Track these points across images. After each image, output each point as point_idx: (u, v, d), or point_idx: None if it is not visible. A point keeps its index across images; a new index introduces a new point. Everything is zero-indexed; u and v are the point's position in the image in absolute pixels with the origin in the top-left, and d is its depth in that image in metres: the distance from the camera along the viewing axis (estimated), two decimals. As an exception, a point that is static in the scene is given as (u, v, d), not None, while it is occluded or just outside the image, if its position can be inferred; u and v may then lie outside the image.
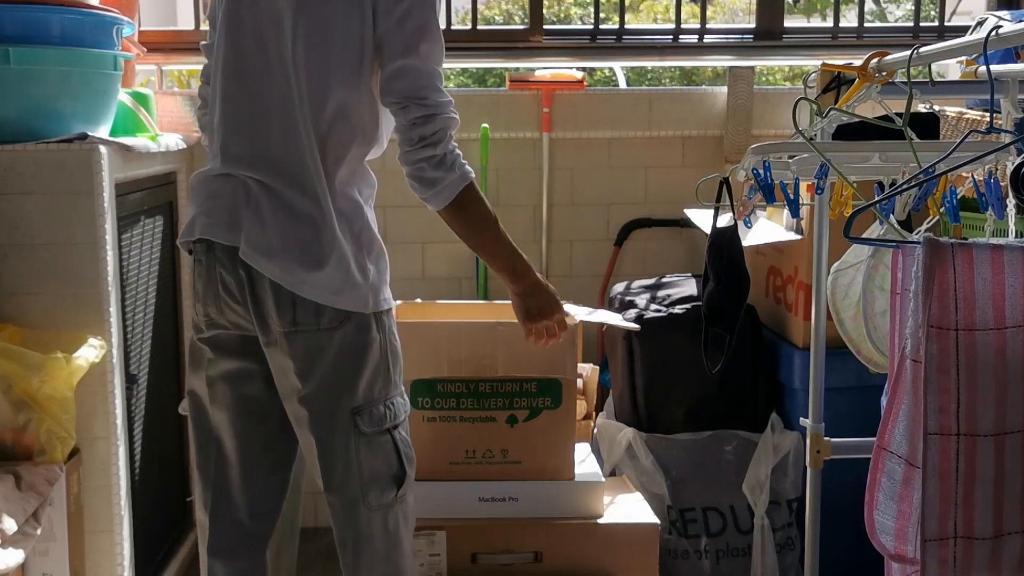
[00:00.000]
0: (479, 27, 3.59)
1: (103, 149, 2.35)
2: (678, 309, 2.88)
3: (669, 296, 2.97)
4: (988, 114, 1.94)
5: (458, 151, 1.87)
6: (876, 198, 1.64)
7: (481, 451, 2.36)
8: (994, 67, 1.83)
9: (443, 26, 3.56)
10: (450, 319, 2.47)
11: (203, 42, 2.03)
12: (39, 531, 2.08)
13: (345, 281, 1.82)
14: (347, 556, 1.92)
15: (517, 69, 3.84)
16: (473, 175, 1.88)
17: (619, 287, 3.15)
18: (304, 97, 1.84)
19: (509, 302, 2.06)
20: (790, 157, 2.03)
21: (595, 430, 2.84)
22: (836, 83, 2.29)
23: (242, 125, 1.89)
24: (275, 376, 1.89)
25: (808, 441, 2.26)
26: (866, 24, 3.84)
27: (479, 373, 2.33)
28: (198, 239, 1.89)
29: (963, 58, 2.21)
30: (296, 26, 1.83)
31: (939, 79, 2.24)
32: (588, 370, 2.83)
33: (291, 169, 1.84)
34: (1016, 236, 1.81)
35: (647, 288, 3.08)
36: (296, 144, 1.84)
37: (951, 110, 2.72)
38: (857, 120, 2.07)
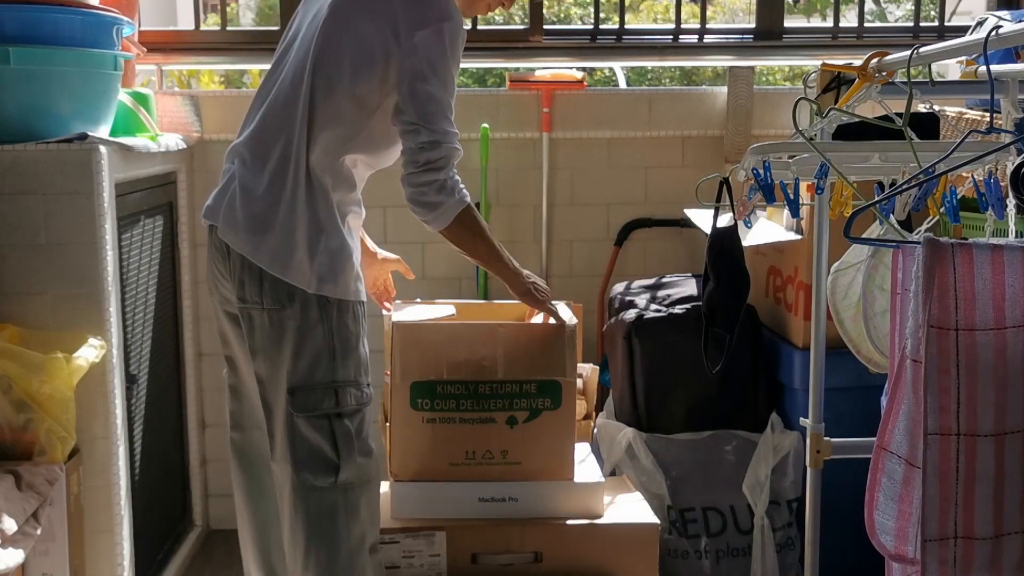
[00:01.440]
0: (479, 27, 3.59)
1: (103, 149, 2.35)
2: (678, 309, 2.88)
3: (669, 296, 2.97)
4: (988, 114, 1.94)
5: (457, 177, 2.03)
6: (876, 198, 1.64)
7: (481, 452, 2.35)
8: (994, 67, 1.83)
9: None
10: (450, 321, 2.47)
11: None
12: (39, 531, 2.08)
13: (290, 253, 1.96)
14: (282, 529, 2.07)
15: (517, 69, 3.84)
16: (469, 198, 2.05)
17: (619, 287, 3.15)
18: (308, 93, 1.98)
19: (508, 301, 2.21)
20: (790, 157, 2.03)
21: (595, 430, 2.84)
22: (836, 83, 2.29)
23: (252, 115, 2.10)
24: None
25: (808, 441, 2.25)
26: (866, 24, 3.84)
27: (479, 375, 2.33)
28: (208, 225, 2.11)
29: (963, 58, 2.21)
30: (327, 29, 1.99)
31: (939, 79, 2.24)
32: (588, 370, 2.83)
33: (271, 154, 2.00)
34: (1016, 236, 1.81)
35: (647, 288, 3.08)
36: (286, 133, 2.00)
37: (951, 110, 2.72)
38: (857, 120, 2.07)
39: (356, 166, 2.08)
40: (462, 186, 2.04)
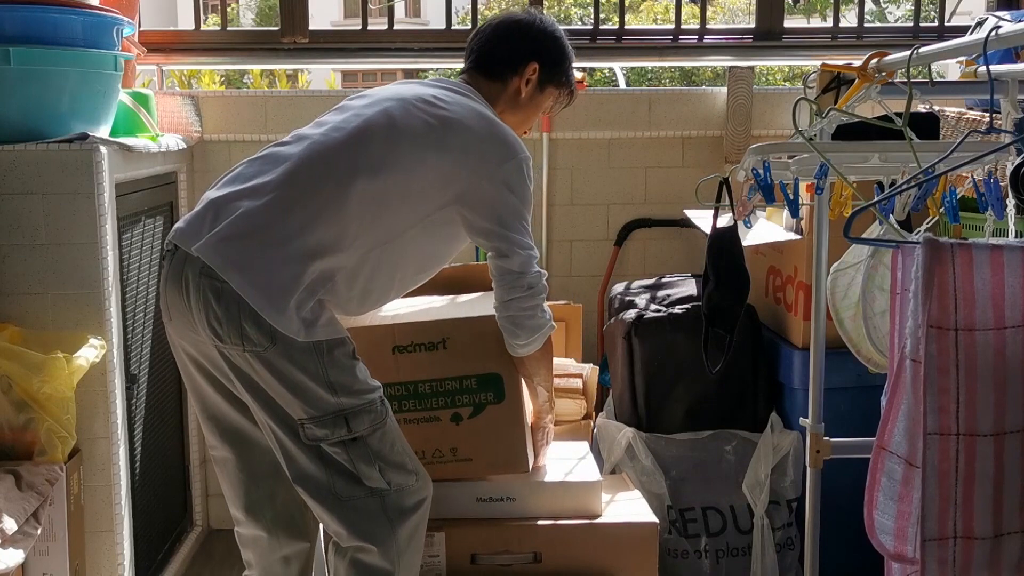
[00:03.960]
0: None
1: (103, 149, 2.35)
2: (678, 309, 2.88)
3: (669, 296, 2.97)
4: (988, 114, 1.94)
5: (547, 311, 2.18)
6: (876, 198, 1.64)
7: (430, 451, 2.28)
8: (994, 67, 1.83)
9: (443, 26, 3.59)
10: (396, 319, 2.37)
11: None
12: (39, 531, 2.08)
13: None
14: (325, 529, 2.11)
15: (517, 69, 3.83)
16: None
17: (619, 287, 3.15)
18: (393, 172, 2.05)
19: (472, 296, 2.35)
20: (790, 157, 2.03)
21: (595, 430, 2.84)
22: (836, 83, 2.29)
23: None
24: None
25: (808, 441, 2.26)
26: (866, 24, 3.84)
27: (415, 375, 2.26)
28: None
29: (963, 58, 2.21)
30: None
31: (939, 79, 2.24)
32: (588, 370, 2.83)
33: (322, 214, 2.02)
34: (1016, 236, 1.82)
35: (647, 288, 3.08)
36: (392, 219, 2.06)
37: (951, 110, 2.73)
38: (857, 120, 2.07)
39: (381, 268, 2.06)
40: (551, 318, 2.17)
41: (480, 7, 3.64)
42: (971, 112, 2.71)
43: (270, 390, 1.95)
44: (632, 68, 8.24)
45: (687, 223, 3.09)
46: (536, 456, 2.36)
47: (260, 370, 1.93)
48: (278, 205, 1.94)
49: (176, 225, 2.02)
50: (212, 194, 2.01)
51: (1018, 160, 1.59)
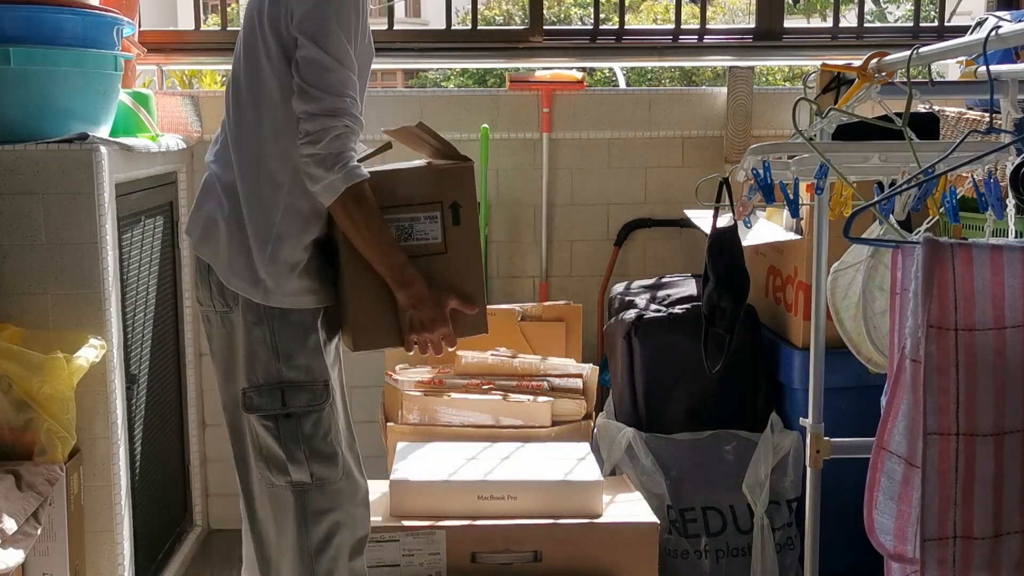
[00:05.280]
0: (479, 27, 3.59)
1: (103, 149, 2.35)
2: (678, 309, 2.88)
3: (669, 296, 2.98)
4: (988, 114, 1.94)
5: (347, 152, 1.86)
6: (876, 198, 1.65)
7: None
8: (994, 67, 1.83)
9: (443, 26, 3.59)
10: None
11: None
12: (39, 531, 2.08)
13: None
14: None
15: (517, 69, 3.84)
16: (361, 178, 1.86)
17: (619, 287, 3.16)
18: (245, 85, 1.98)
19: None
20: (790, 157, 2.03)
21: (595, 430, 2.84)
22: (836, 83, 2.29)
23: None
24: None
25: (808, 441, 2.26)
26: (866, 24, 3.84)
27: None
28: None
29: (963, 58, 2.21)
30: (258, 12, 1.94)
31: (939, 79, 2.24)
32: (588, 370, 2.83)
33: (233, 159, 1.99)
34: (1016, 236, 1.82)
35: (647, 288, 3.08)
36: (241, 136, 1.99)
37: (951, 110, 2.73)
38: (857, 120, 2.07)
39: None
40: (353, 164, 1.87)
41: (480, 7, 3.64)
42: (971, 112, 2.71)
43: (228, 356, 2.01)
44: (632, 68, 8.25)
45: (687, 223, 3.09)
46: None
47: (223, 333, 2.00)
48: (223, 169, 2.01)
49: None
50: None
51: (1018, 160, 1.59)
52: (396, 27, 3.66)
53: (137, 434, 2.67)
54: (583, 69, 3.72)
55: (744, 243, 2.18)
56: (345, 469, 2.03)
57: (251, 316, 1.95)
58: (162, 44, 3.40)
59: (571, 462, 2.50)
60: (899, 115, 1.97)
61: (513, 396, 2.73)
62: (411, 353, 2.04)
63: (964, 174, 2.05)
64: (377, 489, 2.49)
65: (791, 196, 2.02)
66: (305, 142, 1.85)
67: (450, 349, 2.03)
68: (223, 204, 1.97)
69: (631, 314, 2.89)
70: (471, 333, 2.05)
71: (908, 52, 1.93)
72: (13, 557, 1.95)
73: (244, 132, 1.97)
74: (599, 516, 2.40)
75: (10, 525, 1.95)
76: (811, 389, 2.26)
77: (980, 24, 2.67)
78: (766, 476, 2.72)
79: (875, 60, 2.11)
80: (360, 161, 1.91)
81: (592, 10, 3.93)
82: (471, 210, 2.01)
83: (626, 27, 3.72)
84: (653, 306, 2.93)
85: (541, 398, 2.73)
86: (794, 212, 2.04)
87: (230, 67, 2.08)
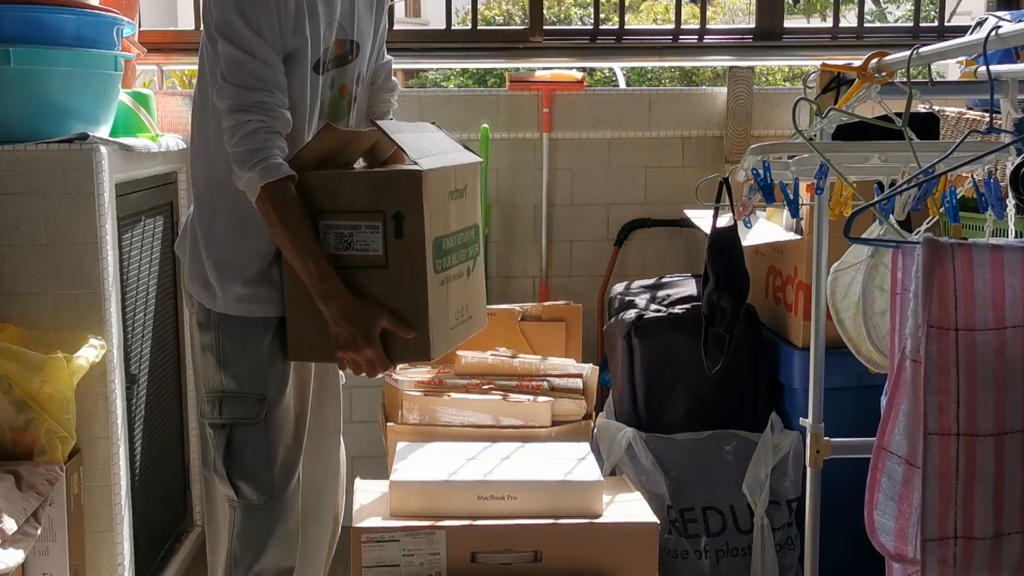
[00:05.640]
0: (479, 27, 3.59)
1: (103, 149, 2.35)
2: (678, 309, 2.88)
3: (669, 296, 2.98)
4: (988, 114, 1.94)
5: (264, 147, 1.77)
6: (876, 198, 1.65)
7: (462, 310, 2.01)
8: (994, 67, 1.83)
9: (443, 26, 3.59)
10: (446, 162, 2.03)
11: None
12: (39, 531, 2.08)
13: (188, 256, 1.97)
14: None
15: (517, 69, 3.84)
16: (278, 176, 1.77)
17: (619, 287, 3.16)
18: (197, 89, 1.95)
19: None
20: (790, 157, 2.03)
21: (595, 430, 2.84)
22: (836, 83, 2.29)
23: None
24: None
25: (808, 441, 2.26)
26: (866, 24, 3.84)
27: (459, 223, 1.98)
28: None
29: (963, 58, 2.21)
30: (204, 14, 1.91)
31: (939, 79, 2.24)
32: (588, 370, 2.83)
33: (190, 161, 2.01)
34: (1016, 236, 1.82)
35: (647, 288, 3.08)
36: (194, 140, 1.97)
37: (951, 110, 2.73)
38: (857, 120, 2.07)
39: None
40: (272, 162, 1.77)
41: (480, 7, 3.64)
42: (971, 112, 2.71)
43: (194, 360, 2.03)
44: (632, 68, 8.24)
45: (687, 223, 3.09)
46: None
47: (191, 335, 2.03)
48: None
49: None
50: None
51: (1018, 160, 1.59)
52: (396, 27, 3.66)
53: (137, 434, 2.67)
54: (583, 69, 3.72)
55: (744, 243, 2.18)
56: (272, 493, 1.93)
57: (202, 319, 1.94)
58: (162, 44, 3.40)
59: (571, 462, 2.50)
60: (899, 115, 1.97)
61: (513, 396, 2.73)
62: (345, 371, 1.89)
63: (964, 174, 2.05)
64: (377, 489, 2.49)
65: (791, 196, 2.02)
66: (225, 140, 1.81)
67: (384, 374, 1.88)
68: (191, 206, 1.99)
69: (631, 314, 2.89)
70: (410, 359, 1.89)
71: (908, 52, 1.93)
72: (13, 557, 1.95)
73: (195, 135, 1.96)
74: (599, 516, 2.40)
75: (10, 525, 1.95)
76: (811, 389, 2.26)
77: (980, 24, 2.67)
78: (766, 476, 2.72)
79: (875, 60, 2.11)
80: (305, 148, 1.82)
81: (592, 10, 3.93)
82: (416, 223, 1.81)
83: (626, 27, 3.72)
84: (653, 306, 2.93)
85: (541, 398, 2.73)
86: (794, 212, 2.04)
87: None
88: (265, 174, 1.76)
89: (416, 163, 1.81)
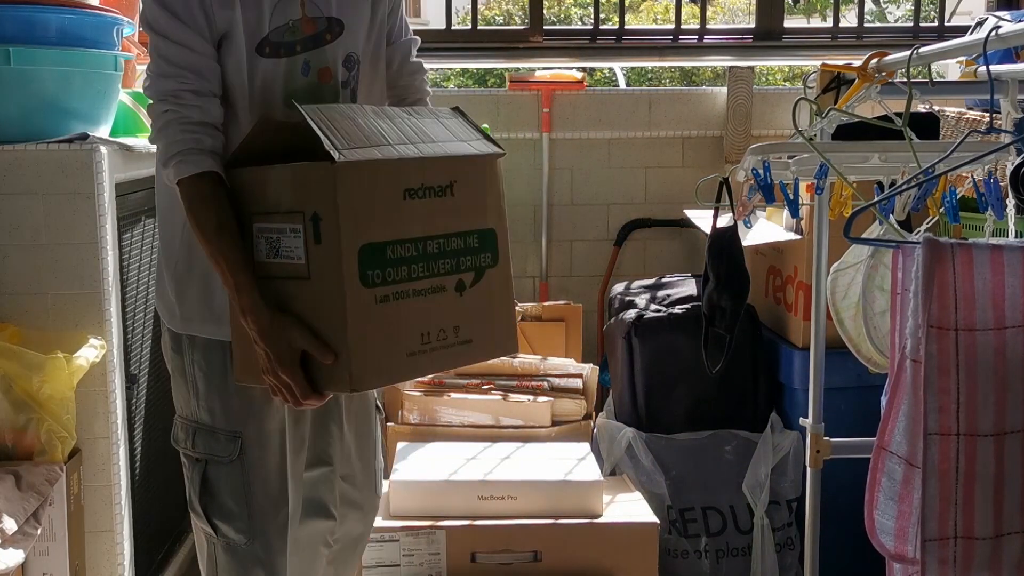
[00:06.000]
0: (479, 27, 3.60)
1: (103, 149, 2.35)
2: (678, 309, 2.88)
3: (669, 296, 2.98)
4: (988, 114, 1.94)
5: (177, 141, 1.60)
6: (876, 198, 1.64)
7: (435, 332, 1.69)
8: (994, 67, 1.83)
9: (443, 26, 3.59)
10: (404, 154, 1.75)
11: None
12: (39, 531, 2.08)
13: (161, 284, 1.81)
14: None
15: (517, 69, 3.84)
16: (190, 172, 1.59)
17: (619, 287, 3.16)
18: None
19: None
20: (790, 157, 2.03)
21: (595, 430, 2.84)
22: (836, 83, 2.29)
23: None
24: None
25: (808, 441, 2.26)
26: (866, 24, 3.85)
27: (425, 229, 1.67)
28: None
29: (963, 58, 2.21)
30: None
31: (939, 79, 2.24)
32: (588, 370, 2.83)
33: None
34: (1016, 236, 1.82)
35: (647, 288, 3.08)
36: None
37: (951, 110, 2.73)
38: (857, 120, 2.07)
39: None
40: (185, 158, 1.59)
41: (480, 7, 3.64)
42: (971, 112, 2.71)
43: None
44: (632, 68, 8.24)
45: (687, 223, 3.09)
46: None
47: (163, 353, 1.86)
48: None
49: None
50: None
51: (1018, 160, 1.59)
52: (396, 27, 3.66)
53: (137, 434, 2.67)
54: (583, 69, 3.72)
55: (744, 243, 2.18)
56: (253, 533, 1.76)
57: (169, 341, 1.79)
58: (162, 44, 3.39)
59: (571, 462, 2.50)
60: (899, 115, 1.97)
61: (513, 396, 2.73)
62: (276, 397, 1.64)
63: (964, 174, 2.05)
64: (377, 489, 2.50)
65: (791, 196, 2.02)
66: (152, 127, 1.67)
67: (307, 403, 1.60)
68: None
69: (631, 314, 2.89)
70: (332, 389, 1.59)
71: (908, 52, 1.93)
72: (13, 557, 1.95)
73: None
74: (599, 516, 2.40)
75: (10, 525, 1.95)
76: (811, 389, 2.26)
77: (980, 24, 2.67)
78: (766, 476, 2.72)
79: (875, 60, 2.11)
80: (243, 142, 1.61)
81: (592, 10, 3.93)
82: (335, 227, 1.52)
83: (626, 27, 3.72)
84: (653, 306, 2.93)
85: (541, 398, 2.73)
86: (794, 212, 2.04)
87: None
88: (178, 170, 1.58)
89: (339, 153, 1.51)
